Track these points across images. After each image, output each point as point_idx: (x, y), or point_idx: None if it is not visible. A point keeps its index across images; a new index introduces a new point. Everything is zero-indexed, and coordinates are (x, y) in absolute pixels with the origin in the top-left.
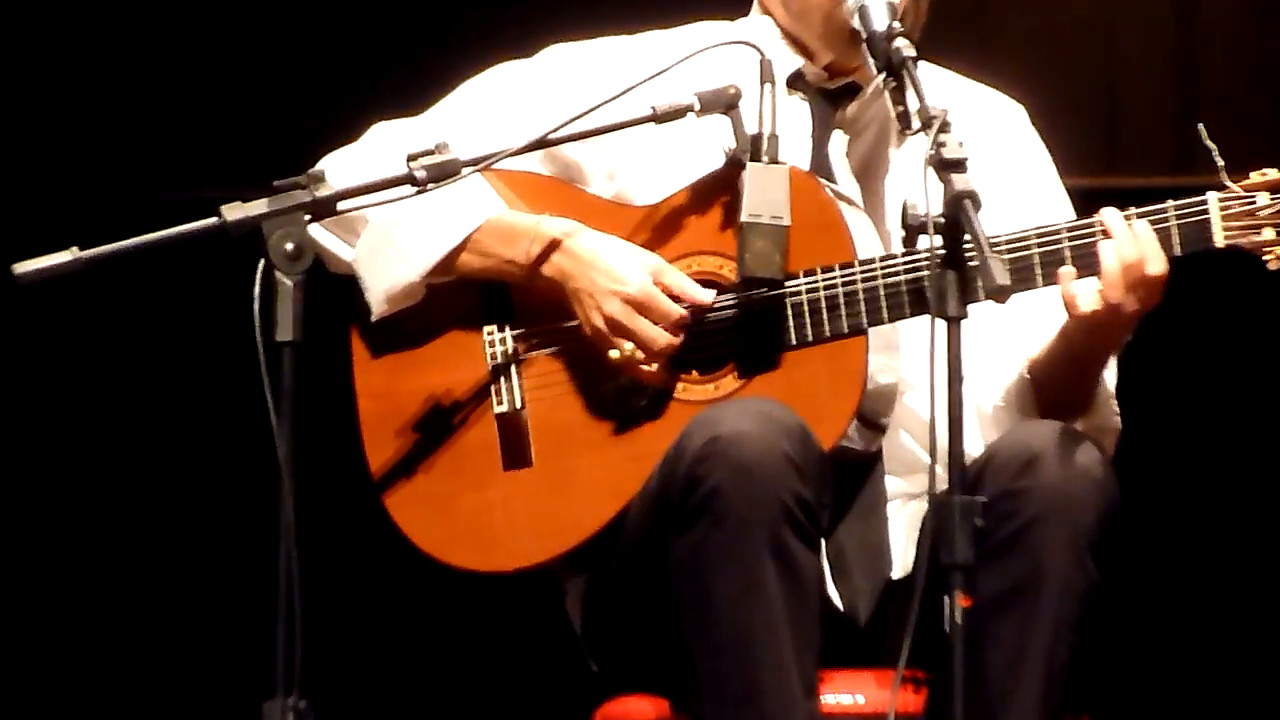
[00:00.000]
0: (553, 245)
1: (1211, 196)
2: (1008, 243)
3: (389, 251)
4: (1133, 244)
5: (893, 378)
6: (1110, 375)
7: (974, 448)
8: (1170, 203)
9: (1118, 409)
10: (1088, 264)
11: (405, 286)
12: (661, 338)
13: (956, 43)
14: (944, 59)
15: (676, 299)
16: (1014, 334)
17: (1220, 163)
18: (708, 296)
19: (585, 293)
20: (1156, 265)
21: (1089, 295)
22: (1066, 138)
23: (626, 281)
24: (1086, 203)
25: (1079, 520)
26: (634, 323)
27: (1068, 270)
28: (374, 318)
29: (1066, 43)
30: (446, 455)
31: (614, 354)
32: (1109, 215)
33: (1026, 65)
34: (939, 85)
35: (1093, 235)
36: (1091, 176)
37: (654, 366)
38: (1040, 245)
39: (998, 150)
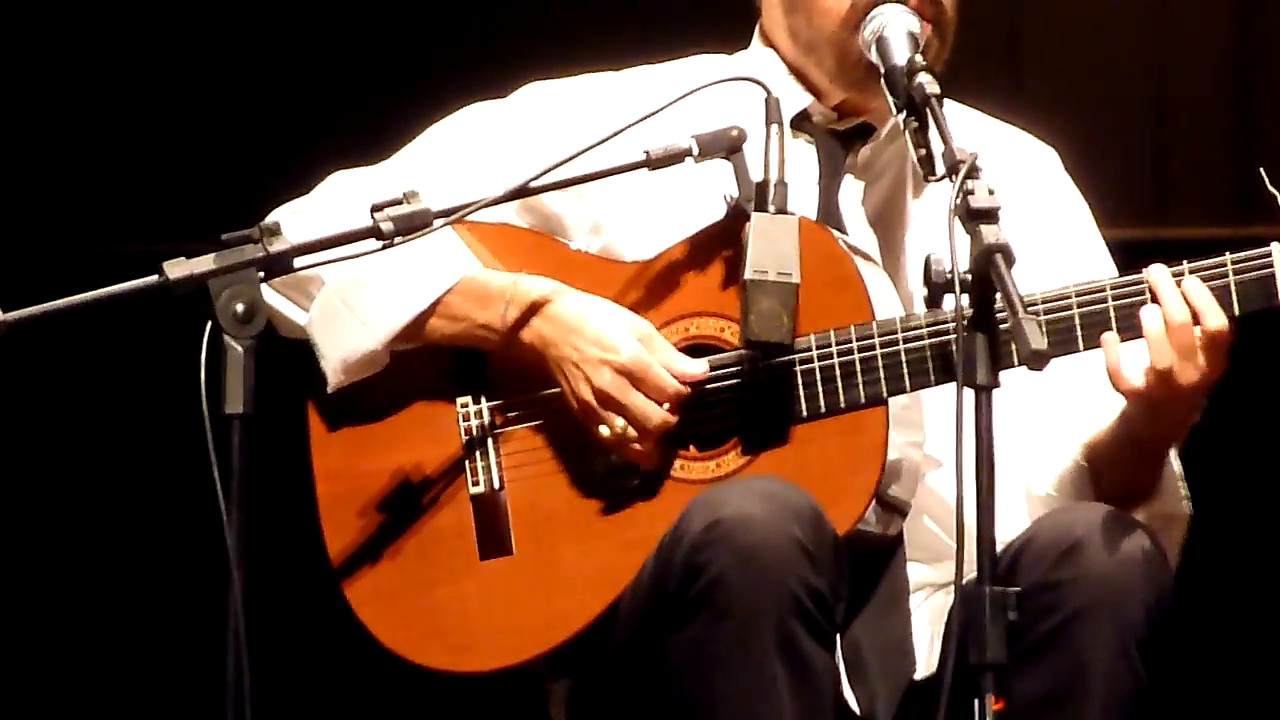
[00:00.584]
0: (532, 308)
1: (1275, 248)
2: (1045, 302)
3: (346, 316)
4: (1179, 304)
5: (915, 454)
6: (1175, 455)
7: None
8: (1228, 256)
9: (1187, 493)
10: (1135, 326)
11: (365, 355)
12: (656, 414)
13: (983, 78)
14: (969, 97)
15: None
16: (1068, 407)
17: None
18: (699, 369)
19: (570, 362)
20: (1212, 322)
21: (1135, 365)
22: (1109, 183)
23: (618, 349)
24: (1131, 257)
25: (1127, 615)
26: (627, 396)
27: (1111, 336)
28: (330, 389)
29: (1108, 77)
30: (416, 543)
31: (604, 430)
32: (1155, 272)
33: (1063, 102)
34: (963, 125)
35: (1142, 293)
36: (1137, 226)
37: (647, 445)
38: (1082, 305)
39: (1029, 199)
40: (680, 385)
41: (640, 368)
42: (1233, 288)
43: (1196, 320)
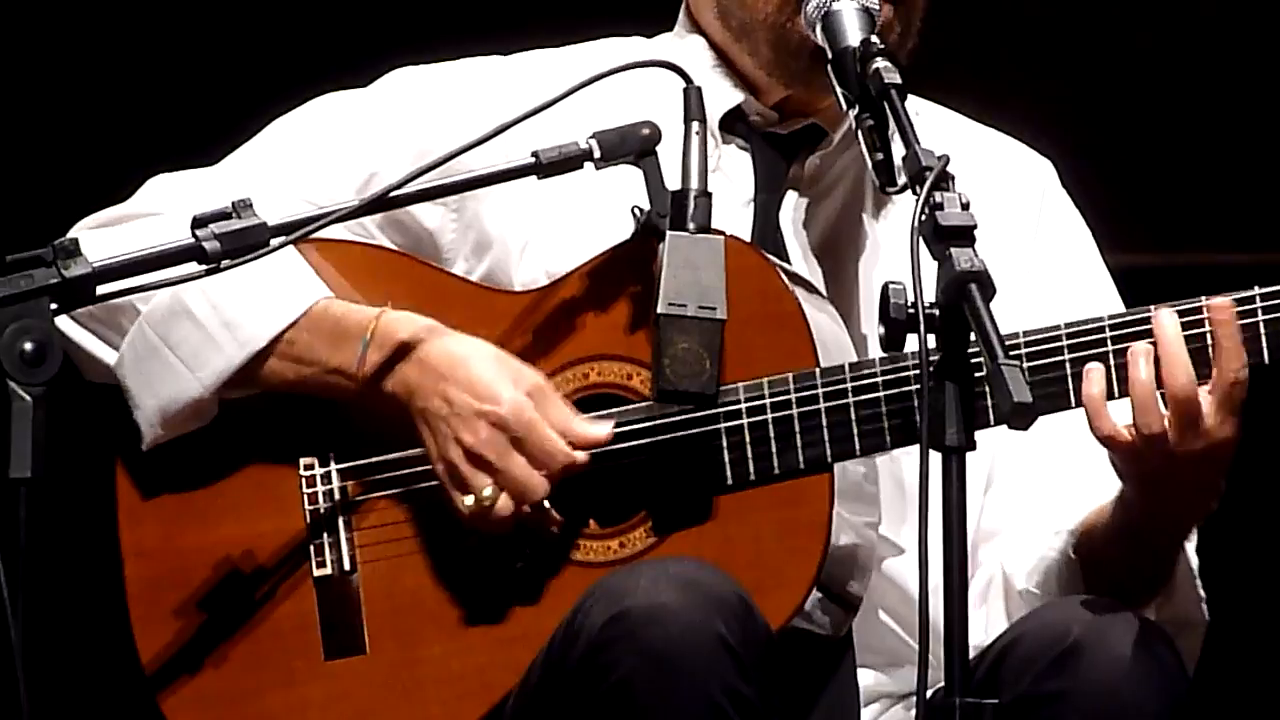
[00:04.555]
0: (398, 349)
1: None
2: (1029, 343)
3: (166, 358)
4: (1179, 351)
5: (868, 535)
6: (1192, 548)
7: (988, 636)
8: (1256, 290)
9: (1203, 594)
10: None
11: (188, 404)
12: (539, 484)
13: (955, 82)
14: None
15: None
16: (1055, 477)
17: None
18: (602, 432)
19: (437, 416)
20: (1228, 372)
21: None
22: (1113, 204)
23: (498, 399)
24: (1136, 290)
25: None
26: (505, 459)
27: (1098, 366)
28: (146, 444)
29: (1110, 80)
30: (246, 638)
31: (467, 501)
32: (1163, 316)
33: (1057, 111)
34: (936, 128)
35: (1144, 331)
36: (1146, 253)
37: (511, 522)
38: (1074, 346)
39: (1017, 219)
40: (572, 453)
41: (523, 424)
42: (1262, 329)
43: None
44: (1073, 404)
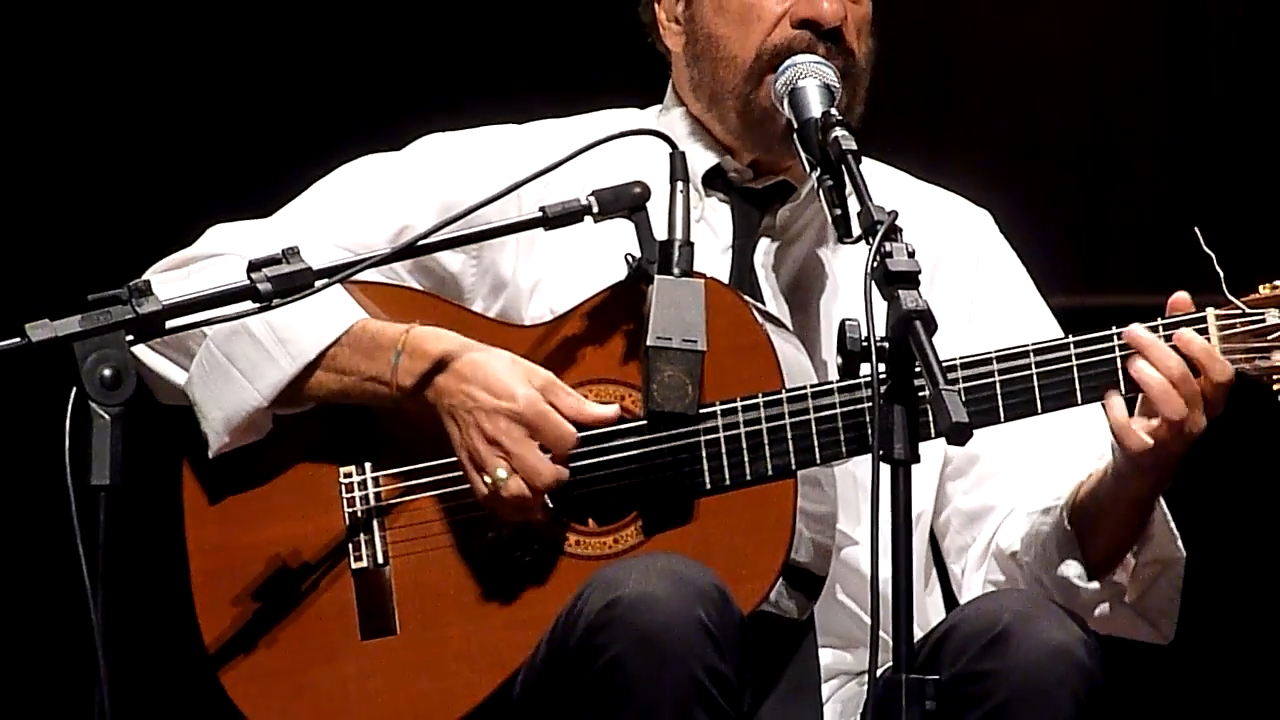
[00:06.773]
0: (426, 357)
1: (1210, 313)
2: (965, 366)
3: (229, 372)
4: (1171, 354)
5: (828, 530)
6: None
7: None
8: (1160, 321)
9: (1176, 531)
10: (1061, 396)
11: (249, 413)
12: (548, 470)
13: (905, 142)
14: (886, 154)
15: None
16: (1039, 461)
17: (1220, 273)
18: (610, 411)
19: (463, 410)
20: (1219, 369)
21: (1144, 423)
22: (1037, 249)
23: (515, 396)
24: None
25: (1055, 709)
26: (520, 445)
27: (1116, 395)
28: (212, 452)
29: (1040, 137)
30: (294, 621)
31: (485, 481)
32: (1136, 330)
33: (991, 164)
34: (888, 188)
35: (1068, 359)
36: (1064, 295)
37: (532, 506)
38: (1004, 370)
39: (961, 264)
40: (577, 435)
41: (538, 415)
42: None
43: (1196, 371)
44: (1001, 419)
